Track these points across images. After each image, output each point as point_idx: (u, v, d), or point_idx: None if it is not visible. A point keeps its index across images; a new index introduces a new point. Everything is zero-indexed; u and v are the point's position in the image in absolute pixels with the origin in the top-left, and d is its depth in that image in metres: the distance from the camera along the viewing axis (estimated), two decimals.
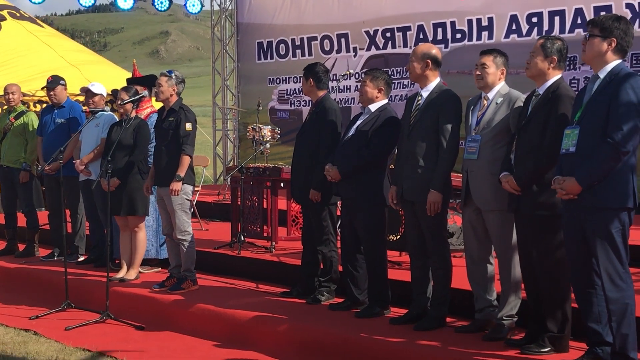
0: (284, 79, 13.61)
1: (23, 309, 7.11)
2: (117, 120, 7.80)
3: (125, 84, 7.95)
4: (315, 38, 13.13)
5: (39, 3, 14.03)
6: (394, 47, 12.06)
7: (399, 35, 11.95)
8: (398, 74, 11.76)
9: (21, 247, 9.03)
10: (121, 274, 7.47)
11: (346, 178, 5.97)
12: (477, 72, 5.30)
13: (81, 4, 14.16)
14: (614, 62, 4.36)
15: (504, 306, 5.21)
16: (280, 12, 13.70)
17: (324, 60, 11.94)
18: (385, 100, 6.06)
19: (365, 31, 12.42)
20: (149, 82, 7.78)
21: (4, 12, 13.96)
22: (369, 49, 12.42)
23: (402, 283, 6.15)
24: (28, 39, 13.59)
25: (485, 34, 10.96)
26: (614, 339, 4.30)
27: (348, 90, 12.53)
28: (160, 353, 5.82)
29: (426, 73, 5.59)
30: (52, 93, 8.49)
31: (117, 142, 7.13)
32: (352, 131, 6.05)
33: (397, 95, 11.59)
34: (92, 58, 14.73)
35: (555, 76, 4.86)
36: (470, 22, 11.11)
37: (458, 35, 11.24)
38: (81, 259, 8.46)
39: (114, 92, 9.28)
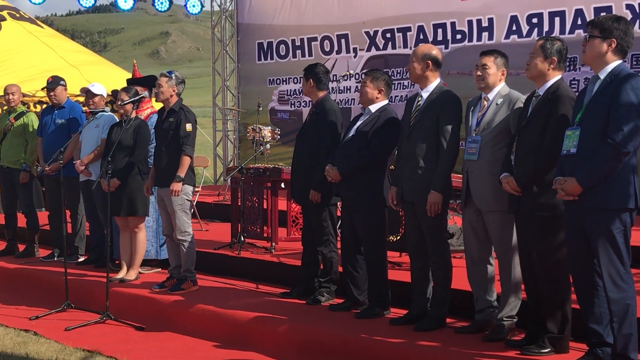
0: (284, 79, 13.62)
1: (23, 309, 7.11)
2: (117, 120, 7.81)
3: (125, 85, 7.95)
4: (315, 39, 13.13)
5: (39, 3, 14.04)
6: (394, 47, 12.07)
7: (399, 35, 11.96)
8: (398, 75, 11.76)
9: (21, 247, 9.03)
10: (121, 274, 7.47)
11: (346, 179, 5.97)
12: (478, 73, 5.30)
13: (81, 5, 14.16)
14: (614, 63, 4.36)
15: (504, 307, 5.21)
16: (280, 13, 13.70)
17: (324, 61, 11.93)
18: (386, 101, 6.07)
19: (365, 32, 12.42)
20: (149, 82, 7.78)
21: (4, 13, 13.96)
22: (369, 49, 12.43)
23: (402, 284, 6.15)
24: (28, 40, 13.60)
25: (485, 34, 10.96)
26: (615, 340, 4.30)
27: (348, 91, 12.54)
28: (160, 353, 5.82)
29: (426, 74, 5.59)
30: (52, 94, 8.49)
31: (117, 143, 7.13)
32: (352, 132, 6.06)
33: (397, 96, 11.60)
34: (92, 59, 14.73)
35: (555, 77, 4.86)
36: (470, 22, 11.12)
37: (458, 36, 11.25)
38: (81, 259, 8.46)
39: (114, 93, 9.29)
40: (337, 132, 6.39)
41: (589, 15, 9.71)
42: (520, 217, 4.92)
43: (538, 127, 4.77)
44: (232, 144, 14.77)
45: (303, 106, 13.14)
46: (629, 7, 9.55)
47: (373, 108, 6.02)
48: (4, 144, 8.86)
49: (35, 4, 13.98)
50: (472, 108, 5.38)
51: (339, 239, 6.53)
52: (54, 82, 8.49)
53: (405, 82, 11.67)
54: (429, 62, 5.57)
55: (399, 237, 6.96)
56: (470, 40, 11.10)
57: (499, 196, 5.03)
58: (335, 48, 12.87)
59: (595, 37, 4.39)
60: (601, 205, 4.27)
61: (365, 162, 5.90)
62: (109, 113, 8.05)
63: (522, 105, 5.08)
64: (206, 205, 10.90)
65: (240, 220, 8.26)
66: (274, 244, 8.00)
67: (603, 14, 7.63)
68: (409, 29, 11.82)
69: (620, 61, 4.38)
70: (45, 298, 7.36)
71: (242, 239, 8.10)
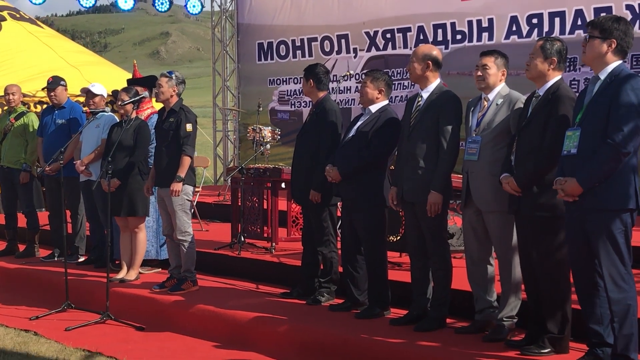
0: (284, 79, 13.62)
1: (23, 309, 7.11)
2: (118, 121, 7.81)
3: (125, 85, 7.96)
4: (315, 39, 13.14)
5: (39, 4, 14.04)
6: (394, 48, 12.07)
7: (399, 36, 11.96)
8: (398, 75, 11.76)
9: (21, 247, 9.03)
10: (121, 274, 7.48)
11: (346, 179, 5.98)
12: (479, 73, 5.30)
13: (82, 5, 14.17)
14: (614, 63, 4.36)
15: (504, 307, 5.21)
16: (280, 13, 13.71)
17: (324, 61, 11.93)
18: (386, 101, 6.07)
19: (365, 32, 12.43)
20: (150, 83, 7.78)
21: (4, 13, 13.96)
22: (369, 50, 12.43)
23: (402, 284, 6.16)
24: (28, 40, 13.60)
25: (485, 35, 10.97)
26: (616, 340, 4.30)
27: (348, 91, 12.54)
28: (160, 354, 5.82)
29: (426, 74, 5.60)
30: (52, 94, 8.50)
31: (117, 143, 7.14)
32: (352, 132, 6.06)
33: (398, 97, 11.60)
34: (93, 59, 14.73)
35: (555, 77, 4.86)
36: (470, 23, 11.12)
37: (458, 37, 11.25)
38: (81, 259, 8.46)
39: (115, 93, 9.28)
40: (337, 132, 6.40)
41: (589, 16, 9.71)
42: (520, 217, 4.92)
43: (538, 128, 4.77)
44: (232, 144, 14.78)
45: (303, 106, 13.15)
46: (629, 7, 9.55)
47: (373, 108, 6.02)
48: (4, 144, 8.86)
49: (35, 4, 13.99)
50: (472, 108, 5.38)
51: (339, 239, 6.53)
52: (55, 83, 8.50)
53: (406, 83, 11.67)
54: (429, 62, 5.57)
55: (399, 238, 6.96)
56: (471, 40, 11.11)
57: (499, 196, 5.03)
58: (336, 48, 12.87)
59: (595, 38, 4.39)
60: (601, 205, 4.27)
61: (366, 162, 5.91)
62: (110, 113, 8.05)
63: (522, 106, 5.08)
64: (206, 205, 10.90)
65: (241, 220, 8.26)
66: (274, 244, 8.01)
67: (603, 14, 7.63)
68: (409, 29, 11.83)
69: (620, 61, 4.38)
70: (46, 298, 7.36)
71: (242, 239, 8.10)
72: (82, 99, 9.74)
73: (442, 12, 11.42)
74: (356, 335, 5.45)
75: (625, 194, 4.25)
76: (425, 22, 11.60)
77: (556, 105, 4.73)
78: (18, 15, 14.25)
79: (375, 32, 12.27)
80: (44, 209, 9.67)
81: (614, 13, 9.05)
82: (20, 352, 5.80)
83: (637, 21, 9.38)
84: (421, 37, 11.61)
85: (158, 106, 7.51)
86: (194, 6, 14.50)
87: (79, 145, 8.08)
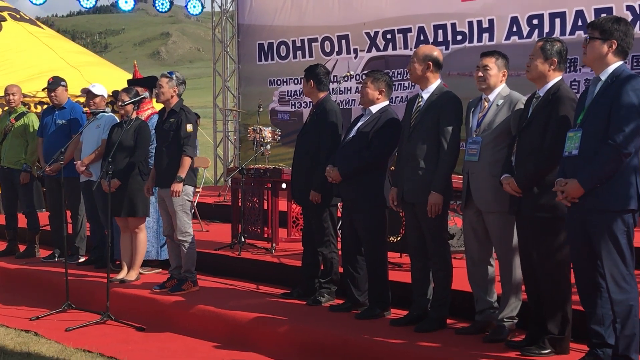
0: (285, 80, 13.62)
1: (23, 309, 7.12)
2: (118, 121, 7.81)
3: (126, 85, 7.96)
4: (315, 39, 13.14)
5: (40, 4, 14.05)
6: (394, 48, 12.06)
7: (399, 36, 11.95)
8: (399, 76, 11.76)
9: (22, 248, 9.03)
10: (122, 275, 7.48)
11: (347, 179, 5.98)
12: (479, 74, 5.30)
13: (82, 5, 14.17)
14: (615, 64, 4.36)
15: (505, 308, 5.21)
16: (280, 14, 13.71)
17: (324, 62, 11.92)
18: (386, 102, 6.07)
19: (365, 33, 12.42)
20: (150, 83, 7.79)
21: (4, 14, 13.96)
22: (369, 50, 12.43)
23: (402, 284, 6.16)
24: (28, 40, 13.60)
25: (485, 35, 10.96)
26: (617, 341, 4.30)
27: (349, 92, 12.54)
28: (160, 354, 5.82)
29: (427, 75, 5.60)
30: (52, 94, 8.50)
31: (117, 144, 7.14)
32: (352, 132, 6.06)
33: (398, 97, 11.60)
34: (93, 59, 14.74)
35: (555, 78, 4.86)
36: (470, 23, 11.11)
37: (459, 37, 11.24)
38: (82, 260, 8.46)
39: (115, 94, 9.29)
40: (338, 132, 6.40)
41: (590, 16, 9.71)
42: (520, 218, 4.92)
43: (539, 128, 4.77)
44: (232, 144, 14.78)
45: (303, 107, 13.14)
46: (629, 8, 9.54)
47: (374, 109, 6.02)
48: (5, 144, 8.87)
49: (36, 4, 14.00)
50: (473, 109, 5.38)
51: (339, 239, 6.53)
52: (55, 83, 8.50)
53: (406, 83, 11.67)
54: (430, 63, 5.57)
55: (399, 238, 6.96)
56: (471, 41, 11.10)
57: (499, 197, 5.03)
58: (336, 49, 12.87)
59: (596, 39, 4.39)
60: (603, 206, 4.27)
61: (366, 163, 5.91)
62: (110, 114, 8.05)
63: (522, 107, 5.08)
64: (207, 206, 10.90)
65: (241, 220, 8.26)
66: (274, 244, 8.01)
67: (603, 15, 7.64)
68: (409, 30, 11.82)
69: (621, 62, 4.38)
70: (46, 298, 7.36)
71: (243, 239, 8.10)
72: (82, 100, 9.74)
73: (442, 13, 11.42)
74: (356, 336, 5.45)
75: (626, 195, 4.25)
76: (426, 23, 11.59)
77: (557, 106, 4.73)
78: (18, 16, 14.25)
79: (376, 33, 12.26)
80: (44, 210, 9.67)
81: (614, 14, 9.04)
82: (20, 353, 5.79)
83: (638, 22, 9.36)
84: (421, 38, 11.60)
85: (158, 107, 7.52)
86: (194, 7, 14.51)
87: (80, 146, 8.09)
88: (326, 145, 6.33)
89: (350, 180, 5.97)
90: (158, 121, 7.14)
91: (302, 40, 13.31)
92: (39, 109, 11.23)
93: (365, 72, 9.96)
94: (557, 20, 10.19)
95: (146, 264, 7.82)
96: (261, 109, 11.02)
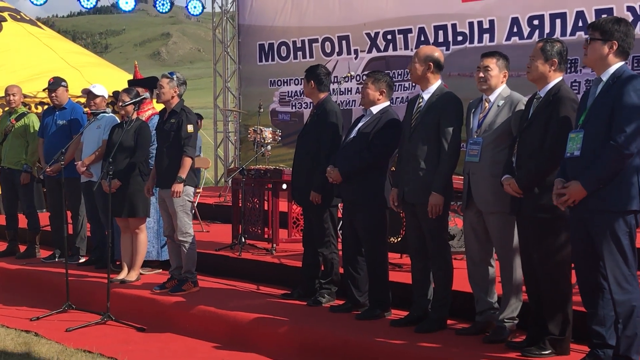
0: (285, 81, 13.62)
1: (24, 310, 7.12)
2: (119, 122, 7.81)
3: (126, 86, 7.96)
4: (316, 40, 13.14)
5: (40, 4, 14.05)
6: (395, 49, 12.06)
7: (400, 37, 11.95)
8: (399, 76, 11.76)
9: (22, 248, 9.03)
10: (122, 275, 7.48)
11: (347, 180, 5.98)
12: (480, 75, 5.29)
13: (82, 6, 14.18)
14: (616, 65, 4.36)
15: (505, 308, 5.21)
16: (281, 14, 13.71)
17: (325, 62, 11.92)
18: (387, 103, 6.07)
19: (366, 33, 12.42)
20: (151, 83, 7.79)
21: (5, 14, 13.97)
22: (370, 51, 12.42)
23: (402, 285, 6.16)
24: (29, 41, 13.60)
25: (486, 36, 10.96)
26: (619, 341, 4.30)
27: (349, 93, 12.53)
28: (161, 354, 5.82)
29: (427, 75, 5.60)
30: (53, 95, 8.50)
31: (118, 144, 7.14)
32: (353, 133, 6.06)
33: (398, 98, 11.60)
34: (93, 60, 14.74)
35: (556, 79, 4.85)
36: (471, 24, 11.11)
37: (459, 38, 11.24)
38: (82, 260, 8.46)
39: (115, 94, 9.29)
40: (338, 133, 6.40)
41: (590, 17, 9.71)
42: (521, 218, 4.92)
43: (539, 129, 4.77)
44: (233, 145, 14.78)
45: (304, 107, 13.14)
46: (630, 8, 9.54)
47: (374, 109, 6.02)
48: (5, 145, 8.87)
49: (36, 5, 14.00)
50: (473, 110, 5.38)
51: (339, 240, 6.53)
52: (55, 83, 8.50)
53: (406, 84, 11.67)
54: (431, 63, 5.57)
55: (399, 239, 6.95)
56: (471, 42, 11.10)
57: (500, 197, 5.03)
58: (336, 49, 12.87)
59: (596, 40, 4.39)
60: (605, 207, 4.26)
61: (367, 164, 5.91)
62: (110, 114, 8.06)
63: (523, 107, 5.08)
64: (207, 206, 10.90)
65: (241, 221, 8.26)
66: (274, 245, 8.01)
67: (604, 15, 7.64)
68: (409, 30, 11.82)
69: (622, 63, 4.38)
70: (46, 299, 7.37)
71: (243, 240, 8.10)
72: (83, 100, 9.73)
73: (443, 14, 11.42)
74: (357, 337, 5.46)
75: (628, 195, 4.24)
76: (426, 24, 11.59)
77: (557, 107, 4.72)
78: (18, 17, 14.26)
79: (376, 34, 12.26)
80: (44, 210, 9.67)
81: (614, 14, 9.05)
82: (20, 353, 5.80)
83: (638, 22, 9.36)
84: (422, 39, 11.60)
85: (159, 107, 7.52)
86: (194, 7, 14.53)
87: (80, 146, 8.09)
88: (327, 146, 6.33)
89: (351, 180, 5.97)
90: (159, 122, 7.14)
91: (303, 41, 13.31)
92: (40, 109, 11.23)
93: (365, 72, 9.96)
94: (558, 21, 10.19)
95: (146, 264, 7.82)
96: (262, 110, 11.03)
